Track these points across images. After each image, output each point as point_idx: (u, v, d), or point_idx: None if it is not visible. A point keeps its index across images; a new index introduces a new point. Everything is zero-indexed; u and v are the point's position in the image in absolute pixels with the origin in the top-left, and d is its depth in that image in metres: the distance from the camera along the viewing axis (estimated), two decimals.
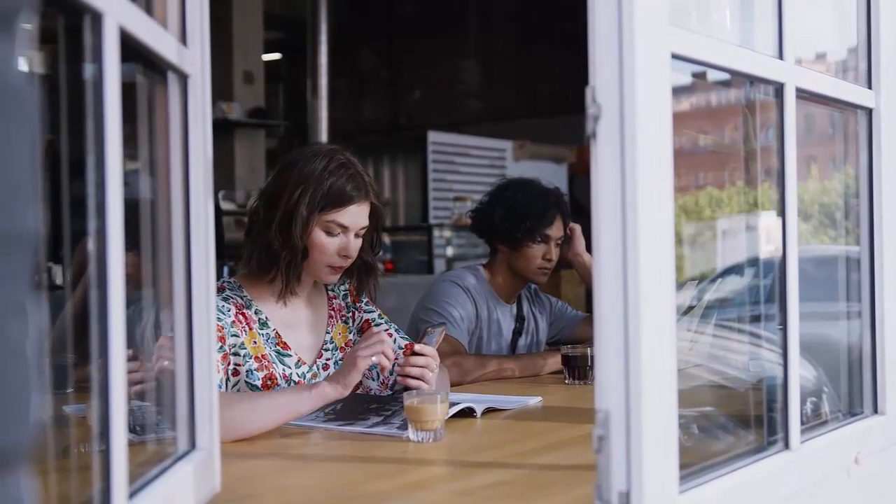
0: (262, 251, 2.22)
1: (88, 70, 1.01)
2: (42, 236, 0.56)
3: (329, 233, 2.22)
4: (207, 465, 1.40)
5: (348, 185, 2.21)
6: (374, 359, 1.99)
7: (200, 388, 1.39)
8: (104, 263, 1.00)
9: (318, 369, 2.31)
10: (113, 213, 1.01)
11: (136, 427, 1.33)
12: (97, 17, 0.99)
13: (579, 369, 2.67)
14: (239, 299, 2.23)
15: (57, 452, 1.19)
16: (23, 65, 0.55)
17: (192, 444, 1.38)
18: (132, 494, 1.09)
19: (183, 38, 1.35)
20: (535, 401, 2.38)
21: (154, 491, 1.17)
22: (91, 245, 1.01)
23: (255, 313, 2.25)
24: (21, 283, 0.53)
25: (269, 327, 2.25)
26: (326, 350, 2.36)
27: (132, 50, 1.12)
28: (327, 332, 2.37)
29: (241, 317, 2.20)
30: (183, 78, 1.35)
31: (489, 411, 2.21)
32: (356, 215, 2.24)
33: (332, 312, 2.41)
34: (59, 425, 1.37)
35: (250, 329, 2.21)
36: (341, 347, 2.38)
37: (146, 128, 1.33)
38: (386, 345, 2.02)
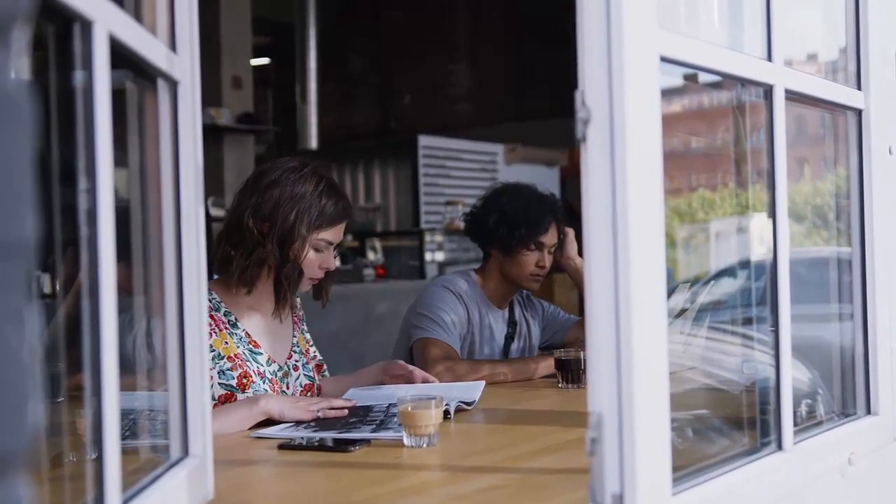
0: (256, 265, 2.29)
1: (78, 77, 1.01)
2: (37, 244, 0.57)
3: (317, 250, 2.34)
4: (200, 472, 1.39)
5: (339, 205, 2.35)
6: (319, 413, 2.15)
7: (193, 395, 1.38)
8: (96, 271, 1.00)
9: (289, 368, 2.42)
10: (104, 221, 1.01)
11: (126, 434, 1.32)
12: (87, 25, 0.99)
13: (572, 373, 2.66)
14: (208, 302, 2.26)
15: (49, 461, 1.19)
16: (18, 73, 0.55)
17: (185, 451, 1.38)
18: (125, 502, 1.09)
19: (172, 45, 1.35)
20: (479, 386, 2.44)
21: (147, 498, 1.17)
22: (82, 253, 1.01)
23: (225, 315, 2.32)
24: (18, 291, 0.53)
25: (239, 328, 2.33)
26: (295, 352, 2.47)
27: (121, 56, 1.11)
28: (294, 336, 2.49)
29: (209, 319, 2.25)
30: (173, 85, 1.35)
31: (461, 411, 2.24)
32: (341, 232, 2.39)
33: (296, 320, 2.53)
34: (53, 434, 1.36)
35: (220, 330, 2.29)
36: (304, 352, 2.50)
37: (136, 135, 1.33)
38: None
